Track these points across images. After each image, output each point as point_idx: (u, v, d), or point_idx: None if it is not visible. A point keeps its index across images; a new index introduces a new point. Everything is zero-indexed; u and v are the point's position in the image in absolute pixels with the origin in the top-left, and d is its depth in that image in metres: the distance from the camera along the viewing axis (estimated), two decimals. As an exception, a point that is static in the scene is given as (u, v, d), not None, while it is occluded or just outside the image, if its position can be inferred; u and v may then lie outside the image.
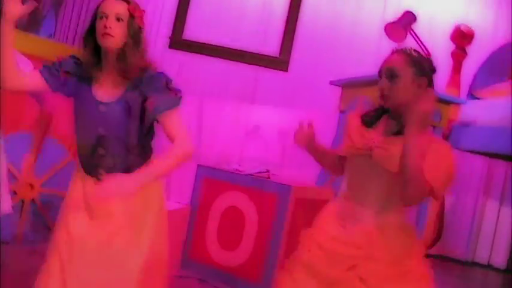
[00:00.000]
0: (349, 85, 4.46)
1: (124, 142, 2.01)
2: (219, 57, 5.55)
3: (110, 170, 2.01)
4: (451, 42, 4.94)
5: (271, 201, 3.57)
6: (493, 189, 5.81)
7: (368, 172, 1.93)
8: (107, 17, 1.94)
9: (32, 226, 4.01)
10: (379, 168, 1.90)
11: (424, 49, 4.54)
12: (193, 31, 5.62)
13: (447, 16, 5.57)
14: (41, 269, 2.00)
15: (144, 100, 1.97)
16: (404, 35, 4.55)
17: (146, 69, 2.00)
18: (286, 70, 5.55)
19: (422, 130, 1.79)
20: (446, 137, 4.74)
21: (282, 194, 3.54)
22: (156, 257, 2.05)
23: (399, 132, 1.89)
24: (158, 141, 2.15)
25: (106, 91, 2.00)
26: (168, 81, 2.00)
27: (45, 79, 2.00)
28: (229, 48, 5.55)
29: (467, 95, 5.10)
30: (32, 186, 3.97)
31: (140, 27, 2.00)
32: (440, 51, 4.93)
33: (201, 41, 5.59)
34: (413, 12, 4.56)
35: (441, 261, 5.65)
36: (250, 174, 3.80)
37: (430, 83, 1.97)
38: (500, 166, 5.70)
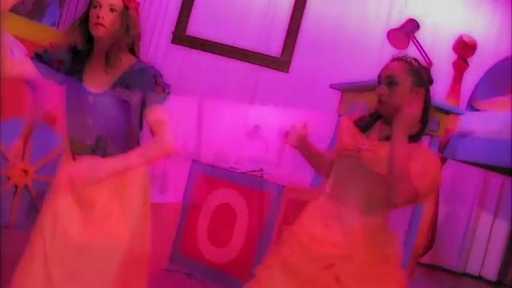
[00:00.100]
0: (349, 89, 4.46)
1: (111, 133, 2.02)
2: (221, 54, 5.56)
3: (91, 149, 2.02)
4: (454, 52, 4.94)
5: (263, 200, 3.57)
6: (487, 201, 5.82)
7: (354, 174, 1.95)
8: (100, 7, 1.94)
9: (25, 212, 4.02)
10: (365, 171, 1.91)
11: (425, 57, 4.54)
12: (196, 28, 5.63)
13: (451, 26, 5.59)
14: (25, 252, 2.01)
15: (132, 93, 1.98)
16: (407, 42, 4.55)
17: (137, 61, 2.00)
18: (287, 71, 5.57)
19: (408, 133, 1.83)
20: (443, 147, 4.74)
21: (274, 194, 3.54)
22: (137, 249, 2.05)
23: (389, 138, 1.91)
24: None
25: (96, 82, 2.00)
26: (157, 76, 2.01)
27: (36, 67, 2.00)
28: (231, 47, 5.57)
29: (467, 106, 5.10)
30: (25, 172, 3.98)
31: (134, 19, 2.01)
32: (443, 60, 4.94)
33: (203, 38, 5.60)
34: (417, 20, 4.56)
35: (432, 271, 5.66)
36: (244, 172, 3.81)
37: (428, 93, 1.99)
38: (496, 178, 5.70)
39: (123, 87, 1.98)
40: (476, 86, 5.17)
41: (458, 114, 4.43)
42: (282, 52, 5.59)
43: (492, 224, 5.80)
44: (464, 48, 4.85)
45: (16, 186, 3.98)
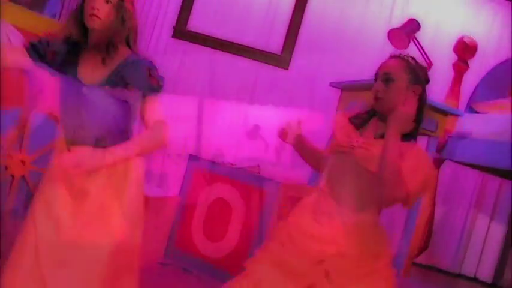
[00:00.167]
0: (348, 88, 4.46)
1: (104, 125, 2.02)
2: (221, 50, 5.56)
3: (83, 140, 2.02)
4: (454, 54, 4.94)
5: (260, 195, 3.58)
6: (484, 203, 5.82)
7: (347, 171, 1.96)
8: None
9: (21, 202, 4.02)
10: (358, 168, 1.92)
11: (426, 58, 4.54)
12: (197, 22, 5.63)
13: (452, 27, 5.58)
14: (16, 241, 2.01)
15: (126, 85, 1.98)
16: (407, 42, 4.54)
17: (132, 53, 2.01)
18: (287, 68, 5.57)
19: (402, 131, 1.83)
20: (441, 148, 4.74)
21: (270, 190, 3.55)
22: (129, 241, 2.05)
23: (384, 136, 1.91)
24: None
25: (90, 73, 2.01)
26: (151, 68, 2.02)
27: (31, 57, 2.00)
28: (232, 42, 5.56)
29: (466, 107, 5.10)
30: (23, 162, 3.99)
31: (129, 11, 2.01)
32: (443, 61, 4.94)
33: (204, 33, 5.60)
34: (418, 20, 4.56)
35: (428, 271, 5.67)
36: (241, 168, 3.82)
37: (424, 92, 2.00)
38: (494, 181, 5.70)
39: (117, 79, 1.99)
40: (476, 88, 5.17)
41: (457, 115, 4.44)
42: (283, 49, 5.59)
43: (488, 225, 5.81)
44: (465, 49, 4.85)
45: (13, 176, 3.99)
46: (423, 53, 4.52)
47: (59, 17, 5.59)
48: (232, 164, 3.95)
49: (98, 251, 1.98)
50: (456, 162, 4.87)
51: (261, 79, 5.64)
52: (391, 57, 2.04)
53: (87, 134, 2.02)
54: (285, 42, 5.58)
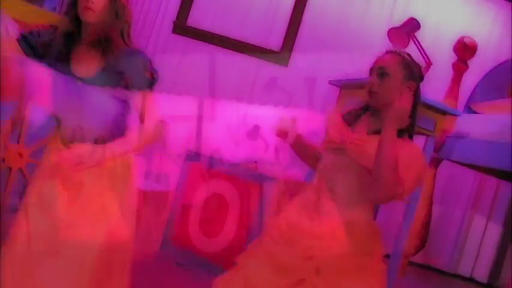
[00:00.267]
0: (347, 86, 4.47)
1: (99, 117, 2.02)
2: (221, 46, 5.55)
3: (82, 139, 2.02)
4: (454, 54, 4.94)
5: (256, 192, 3.58)
6: (481, 203, 5.83)
7: (339, 167, 1.96)
8: None
9: (18, 195, 4.03)
10: (350, 164, 1.92)
11: (425, 57, 4.54)
12: (198, 18, 5.63)
13: (453, 27, 5.57)
14: (9, 232, 2.02)
15: (121, 78, 1.99)
16: (407, 41, 4.55)
17: (126, 46, 2.01)
18: (286, 65, 5.57)
19: (398, 127, 1.84)
20: (439, 147, 4.75)
21: (267, 186, 3.56)
22: (121, 234, 2.06)
23: (378, 132, 1.92)
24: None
25: (84, 66, 2.01)
26: (145, 61, 2.02)
27: (22, 48, 2.00)
28: (231, 38, 5.56)
29: (465, 107, 5.10)
30: (20, 155, 3.99)
31: (123, 5, 2.01)
32: (442, 61, 4.95)
33: (204, 29, 5.59)
34: (418, 20, 4.56)
35: (424, 270, 5.68)
36: (238, 164, 3.82)
37: (418, 89, 2.00)
38: (491, 181, 5.71)
39: (112, 72, 1.99)
40: (475, 88, 5.17)
41: (455, 115, 4.44)
42: (282, 46, 5.59)
43: (485, 226, 5.82)
44: (465, 49, 4.85)
45: (10, 169, 4.00)
46: (423, 53, 4.53)
47: (59, 10, 5.59)
48: (229, 160, 3.95)
49: (90, 246, 1.98)
50: (454, 162, 4.88)
51: (261, 76, 5.63)
52: (387, 52, 2.05)
53: (85, 130, 2.02)
54: (284, 39, 5.58)
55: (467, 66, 4.92)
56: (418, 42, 4.57)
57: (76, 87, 1.99)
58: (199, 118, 5.46)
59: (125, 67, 1.98)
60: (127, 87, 2.00)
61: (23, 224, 1.99)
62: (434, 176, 4.86)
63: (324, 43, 5.60)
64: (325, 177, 2.01)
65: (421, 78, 2.04)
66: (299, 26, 5.58)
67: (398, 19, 5.03)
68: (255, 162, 3.84)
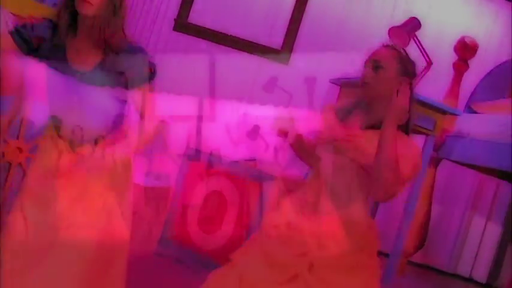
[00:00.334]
0: (347, 84, 4.47)
1: (99, 117, 2.02)
2: (221, 44, 5.55)
3: (82, 139, 2.01)
4: (454, 53, 4.94)
5: (255, 190, 3.58)
6: (481, 203, 5.83)
7: (338, 166, 1.96)
8: None
9: (17, 190, 4.03)
10: (344, 161, 1.92)
11: (426, 56, 4.55)
12: (199, 15, 5.62)
13: (453, 26, 5.57)
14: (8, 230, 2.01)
15: (120, 72, 1.98)
16: (408, 40, 4.55)
17: (124, 41, 2.00)
18: (287, 63, 5.57)
19: (398, 123, 1.83)
20: (439, 147, 4.75)
21: (266, 183, 3.55)
22: (118, 235, 2.05)
23: (371, 127, 1.92)
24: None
25: (81, 59, 2.00)
26: (144, 55, 2.01)
27: (16, 42, 1.97)
28: (232, 36, 5.56)
29: (465, 107, 5.10)
30: (20, 150, 3.99)
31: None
32: (443, 60, 4.95)
33: (205, 26, 5.59)
34: (418, 19, 4.56)
35: (423, 270, 5.68)
36: (237, 161, 3.82)
37: (411, 85, 2.00)
38: (491, 181, 5.71)
39: (110, 66, 1.98)
40: (476, 88, 5.17)
41: (455, 114, 4.44)
42: (283, 45, 5.59)
43: (485, 226, 5.81)
44: (465, 49, 4.85)
45: (10, 164, 4.00)
46: (423, 52, 4.53)
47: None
48: (228, 157, 3.94)
49: (90, 245, 1.98)
50: (453, 161, 4.88)
51: (261, 75, 5.63)
52: (383, 46, 2.05)
53: (85, 130, 2.02)
54: (285, 38, 5.58)
55: (467, 66, 4.92)
56: (419, 41, 4.57)
57: (76, 87, 1.99)
58: (199, 118, 5.47)
59: (124, 61, 1.98)
60: (126, 86, 1.99)
61: (21, 222, 1.99)
62: (434, 175, 4.86)
63: (325, 42, 5.60)
64: (324, 176, 2.00)
65: (415, 75, 2.04)
66: (299, 25, 5.58)
67: (399, 19, 5.04)
68: (255, 160, 3.84)
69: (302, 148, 2.22)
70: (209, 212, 3.79)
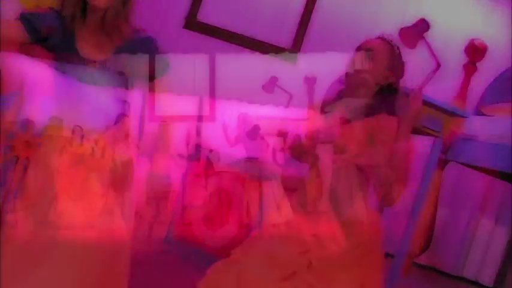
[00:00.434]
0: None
1: (99, 117, 2.02)
2: (230, 42, 5.55)
3: (82, 139, 2.02)
4: (464, 55, 4.92)
5: (256, 189, 3.59)
6: (489, 206, 5.79)
7: (338, 166, 1.95)
8: None
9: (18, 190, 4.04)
10: (349, 163, 1.91)
11: (435, 58, 4.53)
12: (208, 14, 5.63)
13: (464, 29, 5.55)
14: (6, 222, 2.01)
15: (120, 72, 1.98)
16: (417, 41, 4.54)
17: (134, 32, 2.01)
18: (295, 63, 5.56)
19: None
20: (446, 149, 4.72)
21: (266, 183, 3.55)
22: (118, 236, 2.06)
23: (353, 119, 1.90)
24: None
25: (91, 51, 2.00)
26: (156, 47, 2.02)
27: (25, 28, 1.97)
28: (241, 35, 5.56)
29: (475, 109, 5.07)
30: (29, 144, 4.01)
31: None
32: (452, 62, 4.93)
33: (214, 24, 5.60)
34: (428, 21, 4.55)
35: (429, 272, 5.65)
36: (241, 159, 3.82)
37: (396, 83, 1.99)
38: (499, 184, 5.67)
39: (122, 57, 1.98)
40: (485, 91, 5.13)
41: (463, 117, 4.41)
42: (292, 44, 5.58)
43: (492, 229, 5.78)
44: (474, 51, 4.83)
45: (17, 158, 4.02)
46: (432, 53, 4.52)
47: None
48: (232, 155, 3.95)
49: (91, 246, 1.98)
50: (461, 164, 4.84)
51: (270, 73, 5.62)
52: (379, 37, 2.03)
53: (85, 130, 2.02)
54: (295, 37, 5.57)
55: (476, 68, 4.89)
56: (428, 43, 4.56)
57: (76, 87, 1.99)
58: (200, 118, 5.47)
59: (137, 50, 1.97)
60: (127, 86, 1.99)
61: (21, 222, 1.99)
62: (441, 177, 4.84)
63: (334, 42, 5.59)
64: (324, 176, 2.00)
65: (402, 76, 2.02)
66: (308, 25, 5.57)
67: (409, 20, 5.02)
68: (255, 159, 3.84)
69: (300, 150, 2.22)
70: (214, 210, 3.80)
